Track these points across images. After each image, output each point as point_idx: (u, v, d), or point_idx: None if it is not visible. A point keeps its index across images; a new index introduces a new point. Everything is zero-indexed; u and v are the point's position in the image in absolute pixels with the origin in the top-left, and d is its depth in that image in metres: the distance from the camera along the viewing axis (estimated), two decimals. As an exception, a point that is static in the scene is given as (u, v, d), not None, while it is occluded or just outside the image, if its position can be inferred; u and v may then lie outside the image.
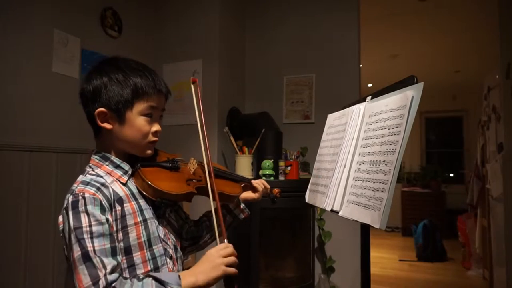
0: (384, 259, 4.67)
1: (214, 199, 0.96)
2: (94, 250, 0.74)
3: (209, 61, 2.61)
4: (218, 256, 0.84)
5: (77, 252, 0.74)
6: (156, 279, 0.77)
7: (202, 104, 1.04)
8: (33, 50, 1.95)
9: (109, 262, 0.74)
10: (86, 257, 0.73)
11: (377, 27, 3.85)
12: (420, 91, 0.79)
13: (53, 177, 2.01)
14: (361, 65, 2.74)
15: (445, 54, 4.73)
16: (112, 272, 0.74)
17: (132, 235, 0.84)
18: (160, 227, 0.92)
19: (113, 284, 0.72)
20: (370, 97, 1.02)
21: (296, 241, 2.59)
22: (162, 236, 0.92)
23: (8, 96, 1.84)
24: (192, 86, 1.05)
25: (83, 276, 0.72)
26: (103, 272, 0.72)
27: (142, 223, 0.87)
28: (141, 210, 0.88)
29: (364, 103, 1.03)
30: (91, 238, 0.75)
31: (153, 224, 0.90)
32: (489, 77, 3.30)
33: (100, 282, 0.71)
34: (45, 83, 2.02)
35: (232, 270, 0.85)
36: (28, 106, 1.93)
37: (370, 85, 5.89)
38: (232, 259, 0.86)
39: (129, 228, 0.84)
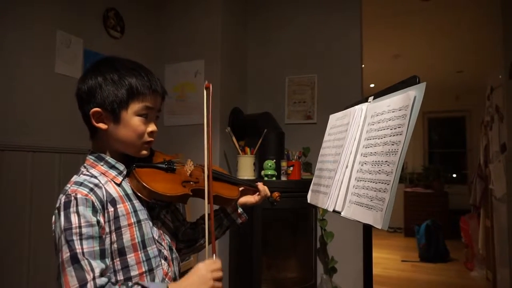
0: (387, 259, 4.65)
1: (209, 203, 0.95)
2: (83, 252, 0.74)
3: (211, 62, 2.61)
4: (207, 271, 0.85)
5: (66, 253, 0.73)
6: (142, 286, 0.78)
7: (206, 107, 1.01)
8: (36, 51, 1.96)
9: (97, 265, 0.74)
10: (74, 259, 0.73)
11: (379, 27, 3.85)
12: (422, 91, 0.79)
13: (56, 177, 2.02)
14: (363, 65, 2.74)
15: (448, 54, 4.72)
16: (100, 275, 0.73)
17: (126, 236, 0.84)
18: (155, 228, 0.92)
19: None
20: (372, 97, 1.02)
21: (298, 242, 2.59)
22: (156, 237, 0.91)
23: (11, 97, 1.85)
24: (205, 91, 0.99)
25: (70, 278, 0.71)
26: (91, 275, 0.72)
27: (136, 224, 0.86)
28: (135, 211, 0.87)
29: (366, 103, 1.02)
30: (80, 239, 0.75)
31: (147, 225, 0.89)
32: (492, 77, 3.28)
33: (88, 285, 0.71)
34: (48, 84, 2.02)
35: (219, 285, 0.86)
36: (31, 106, 1.94)
37: (372, 85, 5.88)
38: (220, 274, 0.87)
39: (122, 230, 0.84)
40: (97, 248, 0.76)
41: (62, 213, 0.77)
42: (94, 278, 0.72)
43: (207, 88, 0.98)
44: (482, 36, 4.01)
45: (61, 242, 0.75)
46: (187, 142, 2.60)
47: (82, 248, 0.74)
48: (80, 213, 0.77)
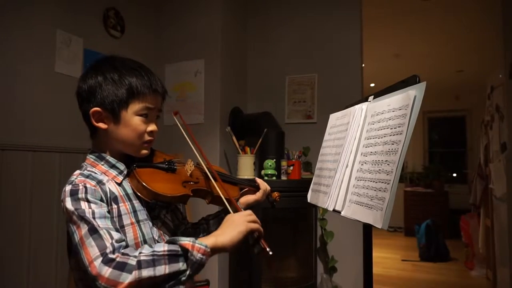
0: (387, 259, 4.65)
1: (226, 197, 0.98)
2: (99, 225, 0.73)
3: (211, 61, 2.61)
4: (239, 215, 0.84)
5: (84, 228, 0.73)
6: (168, 240, 0.75)
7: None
8: (36, 50, 1.96)
9: (116, 234, 0.74)
10: (93, 230, 0.72)
11: (379, 27, 3.84)
12: (422, 91, 0.79)
13: (56, 177, 2.02)
14: (363, 65, 2.74)
15: (448, 53, 4.71)
16: (119, 242, 0.72)
17: (129, 235, 0.83)
18: (155, 229, 0.91)
19: (122, 250, 0.70)
20: (372, 96, 1.02)
21: (298, 241, 2.59)
22: (156, 238, 0.90)
23: (12, 97, 1.85)
24: (175, 118, 1.07)
25: (91, 248, 0.70)
26: (110, 241, 0.71)
27: (137, 224, 0.86)
28: (134, 212, 0.87)
29: (366, 103, 1.02)
30: (94, 218, 0.74)
31: (147, 225, 0.89)
32: (492, 76, 3.28)
33: (107, 250, 0.69)
34: (48, 83, 2.02)
35: (256, 225, 0.83)
36: (31, 106, 1.94)
37: (372, 84, 5.87)
38: (255, 217, 0.85)
39: (126, 228, 0.83)
40: (111, 226, 0.76)
41: (68, 199, 0.77)
42: (112, 242, 0.71)
43: (176, 115, 1.07)
44: (482, 36, 4.01)
45: (76, 222, 0.74)
46: (187, 142, 2.59)
47: (98, 223, 0.74)
48: (89, 200, 0.77)
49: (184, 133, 1.04)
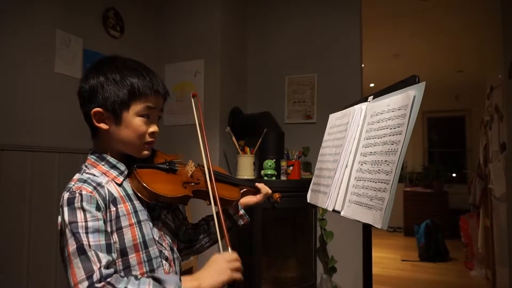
0: (386, 259, 4.66)
1: (215, 205, 0.96)
2: (89, 244, 0.73)
3: (211, 61, 2.61)
4: (224, 261, 0.85)
5: (72, 246, 0.73)
6: (154, 278, 0.76)
7: (204, 104, 1.05)
8: (36, 50, 1.96)
9: (104, 257, 0.73)
10: (81, 251, 0.72)
11: (379, 27, 3.85)
12: (422, 91, 0.79)
13: (55, 177, 2.02)
14: (363, 65, 2.74)
15: (448, 53, 4.72)
16: (107, 267, 0.73)
17: (128, 237, 0.83)
18: (155, 229, 0.91)
19: (108, 279, 0.71)
20: (372, 96, 1.02)
21: (298, 241, 2.59)
22: (156, 238, 0.90)
23: (11, 97, 1.85)
24: (192, 100, 1.08)
25: (77, 270, 0.71)
26: (98, 265, 0.71)
27: (137, 225, 0.86)
28: (135, 212, 0.87)
29: (366, 103, 1.02)
30: (86, 233, 0.74)
31: (147, 226, 0.89)
32: (492, 76, 3.29)
33: (94, 276, 0.70)
34: (47, 84, 2.02)
35: (238, 275, 0.86)
36: (30, 106, 1.94)
37: (372, 84, 5.88)
38: (238, 264, 0.87)
39: (124, 230, 0.83)
40: (103, 242, 0.76)
41: (66, 209, 0.77)
42: (100, 268, 0.71)
43: (194, 97, 1.08)
44: (482, 36, 4.01)
45: (66, 236, 0.75)
46: (187, 142, 2.60)
47: (89, 241, 0.74)
48: (85, 209, 0.77)
49: (196, 117, 1.05)
